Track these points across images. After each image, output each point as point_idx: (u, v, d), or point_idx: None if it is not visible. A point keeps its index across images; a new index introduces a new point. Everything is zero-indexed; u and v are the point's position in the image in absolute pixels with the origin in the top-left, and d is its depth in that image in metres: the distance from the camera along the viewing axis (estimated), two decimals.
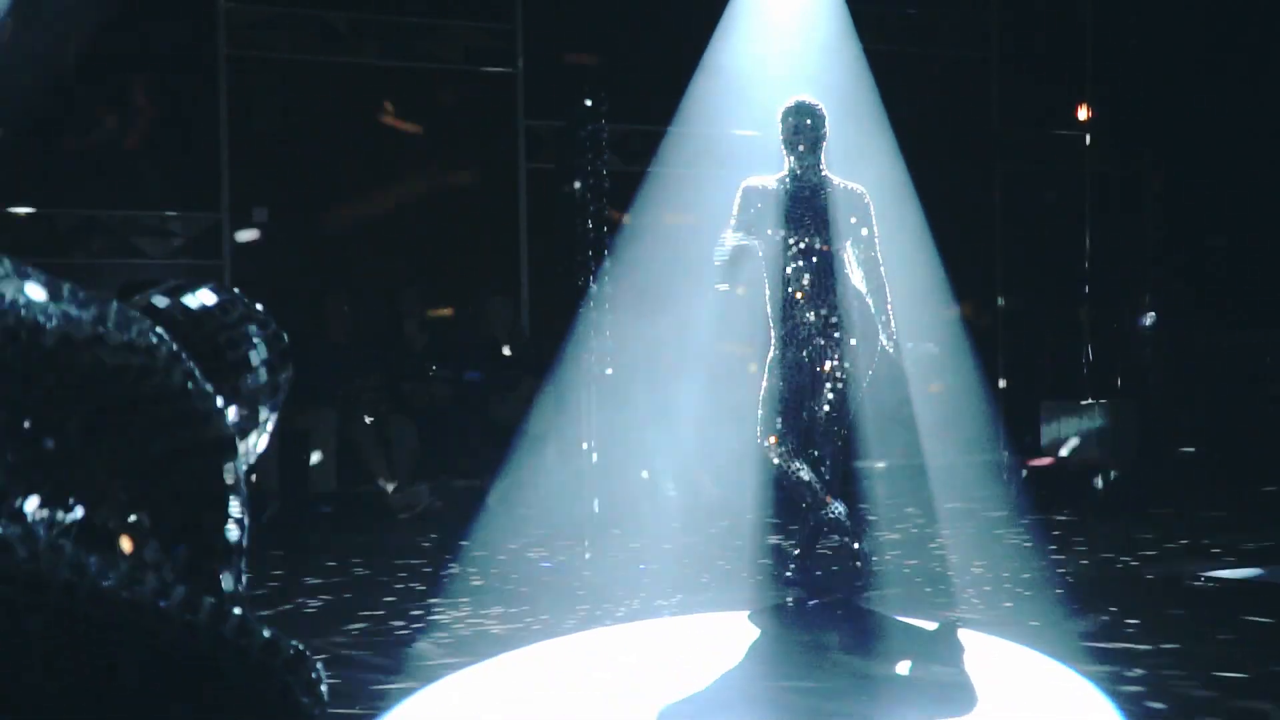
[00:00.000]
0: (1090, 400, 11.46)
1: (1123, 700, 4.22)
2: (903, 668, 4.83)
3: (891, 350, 6.38)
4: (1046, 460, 11.13)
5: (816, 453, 6.37)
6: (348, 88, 10.88)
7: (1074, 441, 11.04)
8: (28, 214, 9.82)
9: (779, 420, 6.30)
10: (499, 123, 11.28)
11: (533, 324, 11.12)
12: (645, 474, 9.55)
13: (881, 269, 6.41)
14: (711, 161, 10.38)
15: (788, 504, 6.55)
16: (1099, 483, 10.51)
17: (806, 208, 6.35)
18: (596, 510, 8.75)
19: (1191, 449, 10.98)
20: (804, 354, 6.31)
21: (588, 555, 7.46)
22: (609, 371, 9.21)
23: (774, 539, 7.61)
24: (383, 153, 11.03)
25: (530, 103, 11.31)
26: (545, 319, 10.80)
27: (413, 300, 10.36)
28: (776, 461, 6.33)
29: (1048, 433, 11.44)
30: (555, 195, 10.15)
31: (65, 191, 9.90)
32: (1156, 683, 4.45)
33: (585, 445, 9.07)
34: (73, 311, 1.41)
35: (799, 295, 6.30)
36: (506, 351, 10.34)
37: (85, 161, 9.97)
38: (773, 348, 6.41)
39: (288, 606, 6.09)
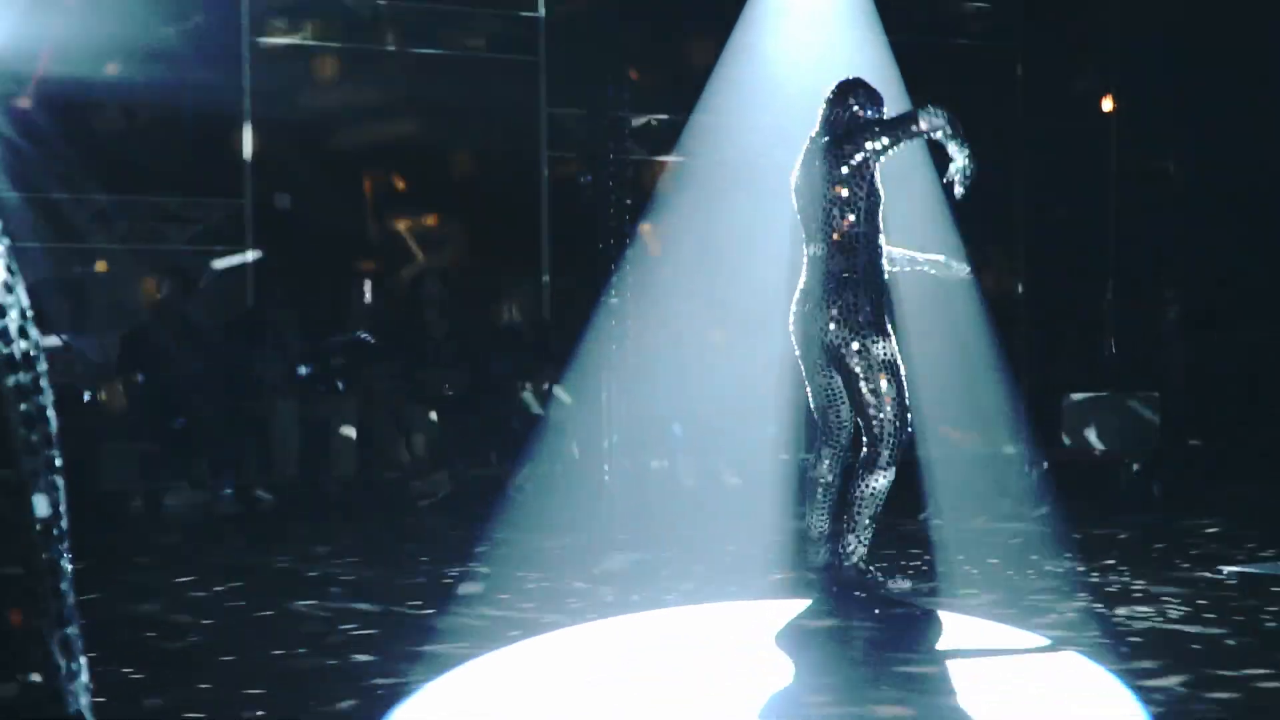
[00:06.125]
0: (1112, 392, 11.40)
1: (1145, 695, 4.19)
2: (920, 660, 4.81)
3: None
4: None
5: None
6: (371, 75, 10.89)
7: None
8: (54, 199, 9.84)
9: None
10: (521, 110, 11.27)
11: (554, 311, 11.11)
12: (663, 463, 9.55)
13: None
14: (734, 150, 10.36)
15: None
16: (1120, 476, 10.47)
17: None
18: (613, 493, 8.76)
19: (1213, 443, 10.92)
20: None
21: (607, 541, 7.46)
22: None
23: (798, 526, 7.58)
24: (404, 140, 11.03)
25: (553, 91, 11.30)
26: (566, 306, 10.80)
27: (434, 287, 10.35)
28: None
29: (1070, 425, 11.38)
30: (577, 183, 10.14)
31: (90, 177, 9.92)
32: (1177, 677, 4.44)
33: (606, 434, 9.08)
34: None
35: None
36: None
37: (110, 147, 9.99)
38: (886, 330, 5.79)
39: (312, 593, 6.11)
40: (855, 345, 5.71)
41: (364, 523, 8.55)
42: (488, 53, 11.31)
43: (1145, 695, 4.17)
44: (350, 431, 9.37)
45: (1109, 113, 13.00)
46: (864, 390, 5.73)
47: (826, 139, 5.83)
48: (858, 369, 5.72)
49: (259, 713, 4.07)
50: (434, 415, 9.70)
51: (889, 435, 5.72)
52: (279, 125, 10.59)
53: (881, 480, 5.76)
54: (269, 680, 4.48)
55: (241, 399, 9.20)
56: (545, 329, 10.58)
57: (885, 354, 5.72)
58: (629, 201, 9.41)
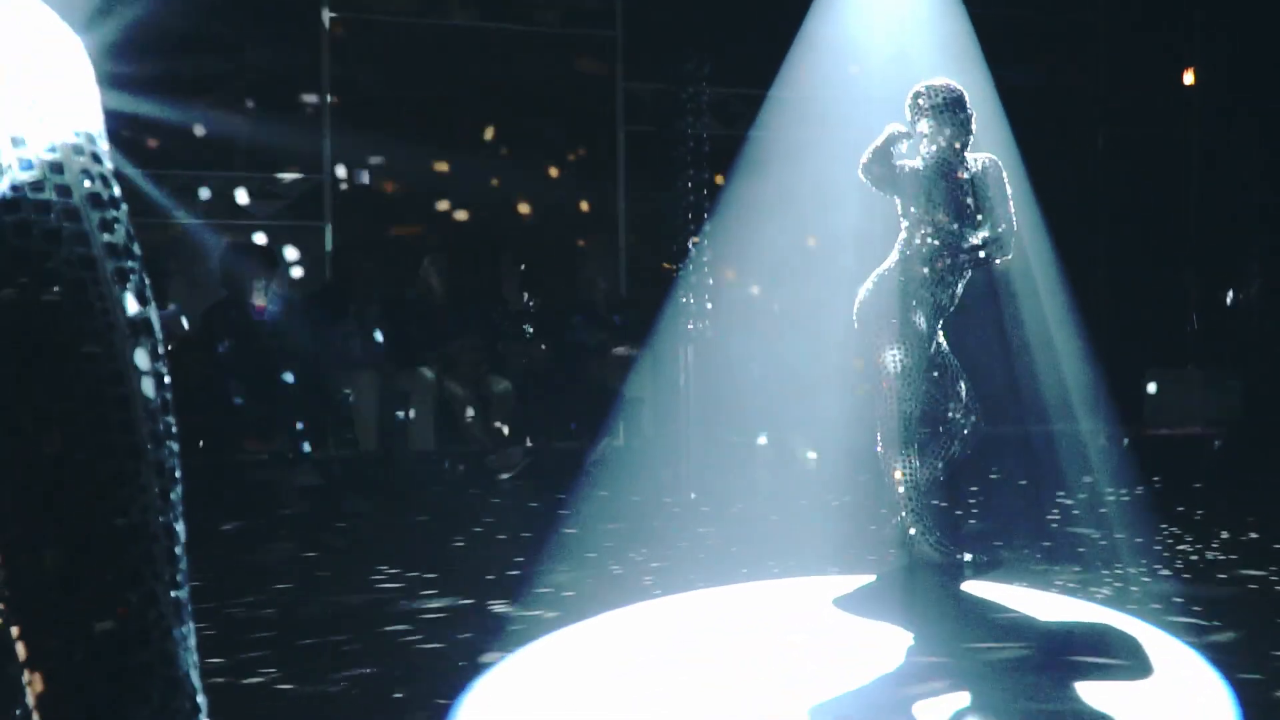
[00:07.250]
0: (1194, 369, 11.27)
1: (1228, 674, 4.16)
2: (1006, 639, 4.79)
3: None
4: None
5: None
6: (449, 50, 10.92)
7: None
8: (135, 175, 9.95)
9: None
10: (599, 85, 11.27)
11: (631, 287, 11.12)
12: (762, 440, 9.52)
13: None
14: (812, 126, 10.30)
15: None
16: (1202, 453, 10.35)
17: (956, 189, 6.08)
18: (689, 468, 8.76)
19: None
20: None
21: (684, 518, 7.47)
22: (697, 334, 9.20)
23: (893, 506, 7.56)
24: (483, 115, 11.06)
25: (630, 65, 11.29)
26: (643, 282, 10.81)
27: (511, 261, 10.38)
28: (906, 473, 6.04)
29: (1151, 402, 11.27)
30: (655, 158, 10.12)
31: (170, 152, 10.02)
32: (1255, 656, 4.40)
33: (684, 409, 9.07)
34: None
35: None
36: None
37: (191, 122, 10.09)
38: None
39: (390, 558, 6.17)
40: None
41: (443, 495, 8.62)
42: (565, 28, 11.31)
43: (1229, 676, 4.14)
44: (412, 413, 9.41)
45: (1191, 85, 12.80)
46: None
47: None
48: None
49: (342, 684, 4.13)
50: (512, 388, 9.74)
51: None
52: (357, 100, 10.65)
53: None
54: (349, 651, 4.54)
55: (322, 371, 9.27)
56: (623, 303, 10.60)
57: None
58: (706, 177, 9.39)
